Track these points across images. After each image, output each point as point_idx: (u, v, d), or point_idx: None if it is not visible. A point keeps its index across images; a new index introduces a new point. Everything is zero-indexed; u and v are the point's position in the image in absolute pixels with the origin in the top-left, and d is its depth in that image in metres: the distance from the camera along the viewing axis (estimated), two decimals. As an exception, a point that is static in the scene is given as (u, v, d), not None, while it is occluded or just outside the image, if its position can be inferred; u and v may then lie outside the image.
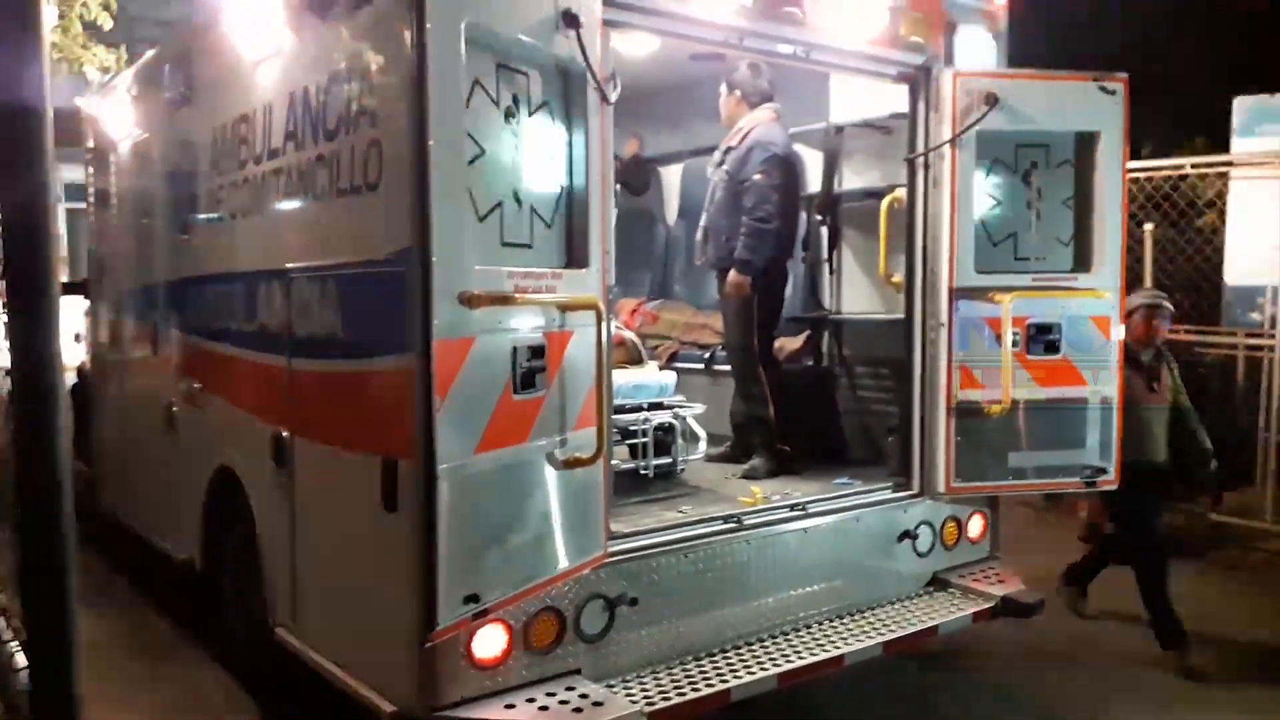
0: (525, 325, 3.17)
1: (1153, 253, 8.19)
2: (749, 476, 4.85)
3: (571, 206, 3.43)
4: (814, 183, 5.75)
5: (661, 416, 4.79)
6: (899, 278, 4.84)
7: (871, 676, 4.41)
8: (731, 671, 3.72)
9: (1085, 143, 4.65)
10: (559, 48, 3.24)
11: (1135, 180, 8.09)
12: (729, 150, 5.06)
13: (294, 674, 3.90)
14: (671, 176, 7.05)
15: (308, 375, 3.77)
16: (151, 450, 5.50)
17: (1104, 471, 4.69)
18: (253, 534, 4.17)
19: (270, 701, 4.38)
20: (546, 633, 3.44)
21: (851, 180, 5.63)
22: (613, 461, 3.96)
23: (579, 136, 3.40)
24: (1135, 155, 8.57)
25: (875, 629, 4.17)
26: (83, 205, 6.88)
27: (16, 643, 1.99)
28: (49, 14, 5.06)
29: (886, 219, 5.04)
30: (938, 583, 4.65)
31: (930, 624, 4.25)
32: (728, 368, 5.38)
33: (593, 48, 3.30)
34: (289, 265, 3.83)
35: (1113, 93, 4.56)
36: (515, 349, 3.12)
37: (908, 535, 4.55)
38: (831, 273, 5.71)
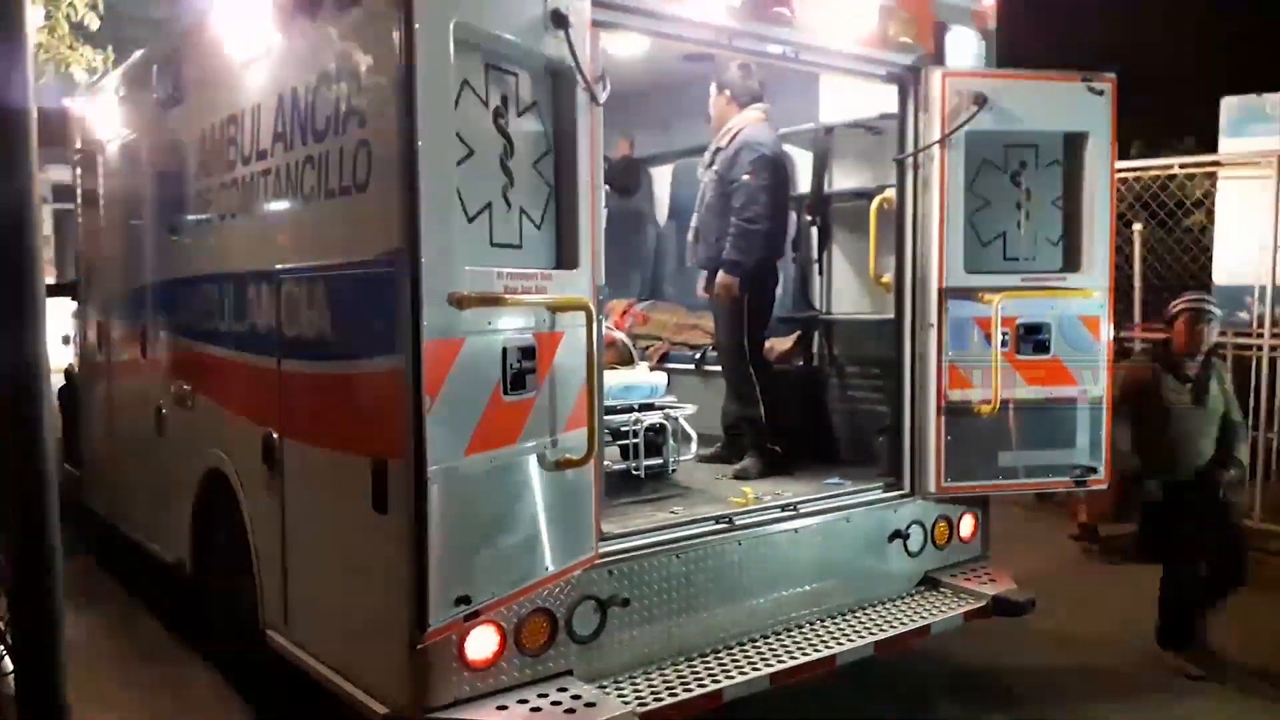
0: (515, 326, 3.16)
1: (1141, 252, 8.23)
2: (740, 477, 4.85)
3: (561, 207, 3.42)
4: (804, 183, 5.76)
5: (653, 417, 4.79)
6: (889, 278, 4.85)
7: (864, 676, 4.41)
8: (724, 672, 3.72)
9: (1074, 143, 4.67)
10: (548, 48, 3.24)
11: (1124, 180, 8.12)
12: (718, 151, 5.06)
13: (285, 676, 3.89)
14: (662, 177, 7.06)
15: (297, 376, 3.76)
16: (141, 453, 5.48)
17: (1094, 471, 4.72)
18: (243, 536, 4.15)
19: (262, 704, 4.36)
20: (538, 634, 3.44)
21: (841, 181, 5.64)
22: (604, 462, 3.97)
23: (568, 137, 3.39)
24: (1124, 155, 8.61)
25: (867, 629, 4.17)
26: (71, 206, 6.84)
27: (2, 648, 1.98)
28: (35, 14, 5.03)
29: (876, 219, 5.06)
30: (929, 582, 4.66)
31: (922, 624, 4.26)
32: (718, 368, 5.39)
33: (582, 48, 3.30)
34: (278, 266, 3.81)
35: (1101, 93, 4.59)
36: (505, 350, 3.11)
37: (899, 535, 4.56)
38: (822, 273, 5.72)
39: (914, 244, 4.61)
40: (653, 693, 3.52)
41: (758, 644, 3.98)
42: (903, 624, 4.24)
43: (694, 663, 3.79)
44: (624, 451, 4.72)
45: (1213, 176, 8.27)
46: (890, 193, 4.82)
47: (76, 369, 7.07)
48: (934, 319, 4.53)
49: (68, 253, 9.42)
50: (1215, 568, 4.86)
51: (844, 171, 5.63)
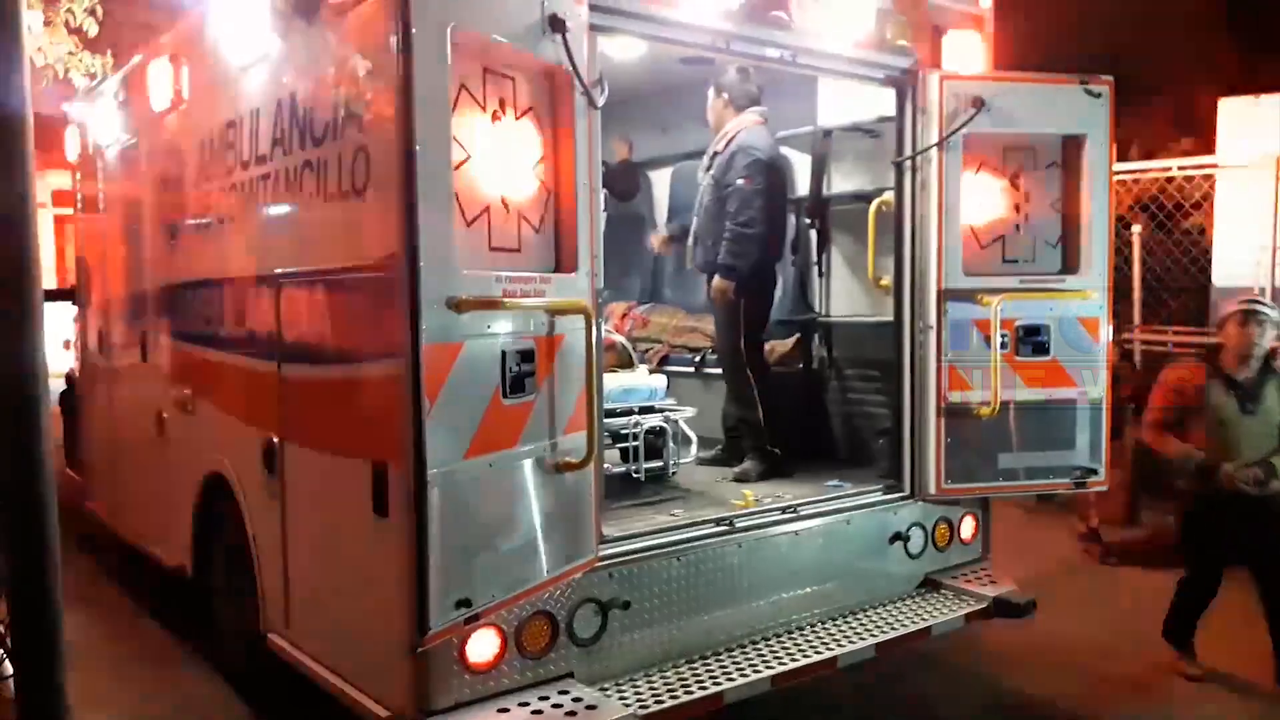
0: (514, 329, 3.16)
1: (1141, 254, 8.23)
2: (740, 479, 4.85)
3: (559, 210, 3.43)
4: (803, 186, 5.77)
5: (652, 420, 4.79)
6: (888, 280, 4.86)
7: (865, 678, 4.41)
8: (725, 674, 3.72)
9: (1071, 145, 4.68)
10: (545, 52, 3.25)
11: (1123, 182, 8.14)
12: (716, 155, 5.07)
13: (287, 680, 3.89)
14: (661, 180, 7.06)
15: (297, 380, 3.76)
16: (141, 457, 5.48)
17: (1094, 472, 4.71)
18: (243, 540, 4.15)
19: (263, 707, 4.36)
20: (539, 637, 3.44)
21: (840, 183, 5.65)
22: (604, 465, 3.97)
23: (566, 140, 3.40)
24: (1123, 157, 8.64)
25: (868, 630, 4.17)
26: (71, 211, 6.85)
27: (2, 651, 1.98)
28: (34, 20, 5.04)
29: (875, 222, 5.06)
30: (930, 584, 4.66)
31: (923, 625, 4.26)
32: (718, 371, 5.39)
33: (579, 52, 3.31)
34: (278, 271, 3.82)
35: (1098, 95, 4.59)
36: (504, 353, 3.12)
37: (899, 537, 4.56)
38: (821, 276, 5.72)
39: (913, 246, 4.61)
40: (654, 695, 3.52)
41: (759, 646, 3.98)
42: (904, 626, 4.24)
43: (695, 665, 3.79)
44: (624, 454, 4.73)
45: (1211, 178, 8.28)
46: (889, 195, 4.82)
47: (77, 373, 7.08)
48: (933, 321, 4.54)
49: (68, 258, 9.42)
50: (1265, 586, 4.61)
51: (842, 174, 5.64)
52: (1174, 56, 12.37)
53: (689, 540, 3.92)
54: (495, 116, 3.20)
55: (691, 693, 3.56)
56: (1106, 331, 4.72)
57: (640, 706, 3.43)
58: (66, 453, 7.27)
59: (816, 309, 5.75)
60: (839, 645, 4.01)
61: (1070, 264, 4.72)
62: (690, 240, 5.31)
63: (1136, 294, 8.30)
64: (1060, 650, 5.14)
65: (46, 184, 12.92)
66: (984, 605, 4.46)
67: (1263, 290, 7.55)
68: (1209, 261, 8.46)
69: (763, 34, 4.10)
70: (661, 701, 3.48)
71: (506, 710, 3.27)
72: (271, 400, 3.93)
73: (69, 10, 5.22)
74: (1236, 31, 12.55)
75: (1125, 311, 8.02)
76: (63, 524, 1.86)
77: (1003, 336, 4.49)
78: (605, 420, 4.24)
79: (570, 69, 3.29)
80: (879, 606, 4.42)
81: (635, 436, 4.68)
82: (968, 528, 4.82)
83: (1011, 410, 4.55)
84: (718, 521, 4.06)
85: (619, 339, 5.48)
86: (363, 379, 3.29)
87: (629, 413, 4.74)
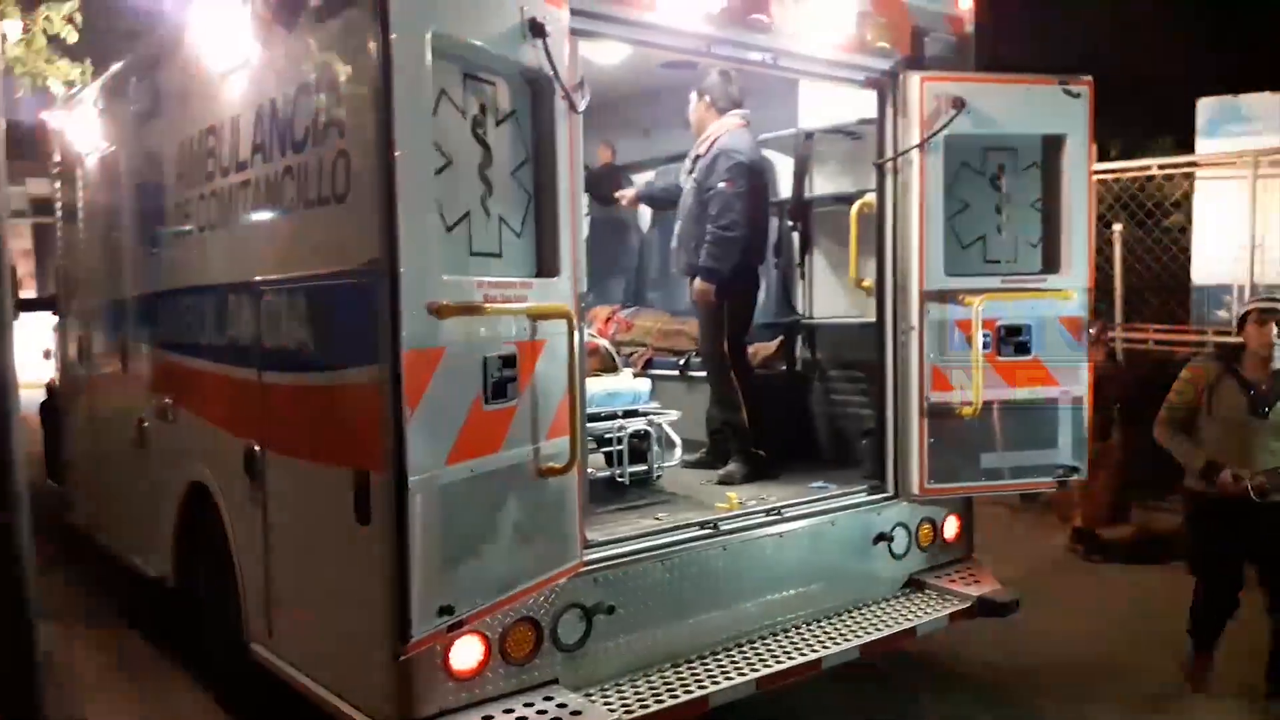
0: (496, 335, 3.15)
1: (1122, 253, 8.29)
2: (725, 482, 4.85)
3: (541, 215, 3.42)
4: (785, 189, 5.78)
5: (637, 424, 4.79)
6: (870, 282, 4.87)
7: (851, 679, 4.42)
8: (710, 677, 3.72)
9: (1052, 145, 4.70)
10: (526, 57, 3.24)
11: (1103, 181, 8.19)
12: (698, 158, 5.08)
13: (270, 690, 3.86)
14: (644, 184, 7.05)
15: (279, 388, 3.74)
16: (123, 467, 5.44)
17: (1076, 470, 4.74)
18: (226, 549, 4.13)
19: (247, 718, 4.33)
20: (523, 643, 3.43)
21: (822, 186, 5.66)
22: (588, 469, 3.97)
23: (547, 145, 3.39)
24: (1104, 156, 8.69)
25: (853, 631, 4.18)
26: (50, 220, 6.79)
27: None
28: (12, 28, 4.99)
29: (857, 224, 5.07)
30: (914, 584, 4.67)
31: (907, 625, 4.28)
32: (703, 374, 5.39)
33: (560, 57, 3.31)
34: (259, 278, 3.80)
35: (1077, 95, 4.62)
36: (486, 359, 3.11)
37: (883, 537, 4.57)
38: (803, 278, 5.74)
39: (894, 248, 4.63)
40: (639, 700, 3.52)
41: (744, 649, 3.98)
42: (889, 626, 4.25)
43: (680, 669, 3.78)
44: (608, 458, 4.72)
45: (1190, 177, 8.35)
46: (870, 197, 4.84)
47: (58, 383, 7.02)
48: (915, 322, 4.55)
49: (48, 266, 9.35)
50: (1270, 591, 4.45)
51: (824, 176, 5.65)
52: (1152, 56, 12.46)
53: (674, 544, 3.92)
54: (476, 121, 3.19)
55: (677, 697, 3.56)
56: (1088, 330, 4.75)
57: (625, 711, 3.42)
58: (47, 464, 7.21)
59: (799, 311, 5.77)
60: (824, 647, 4.02)
61: (1051, 264, 4.74)
62: (674, 243, 5.32)
63: (1118, 293, 8.36)
64: (1044, 647, 5.17)
65: (25, 192, 12.81)
66: (968, 605, 4.48)
67: (1242, 288, 7.63)
68: (1189, 259, 8.53)
69: (744, 37, 4.11)
70: (647, 706, 3.48)
71: (491, 718, 3.26)
72: (253, 408, 3.91)
73: (47, 18, 5.18)
74: (1213, 31, 12.66)
75: (1107, 310, 8.08)
76: (43, 535, 1.84)
77: (984, 336, 4.50)
78: (590, 424, 4.24)
79: (551, 73, 3.29)
80: (864, 607, 4.42)
81: (619, 440, 4.68)
82: (951, 528, 4.83)
83: (994, 410, 4.56)
84: (702, 525, 4.06)
85: (603, 343, 5.48)
86: (343, 386, 3.28)
87: (613, 416, 4.74)
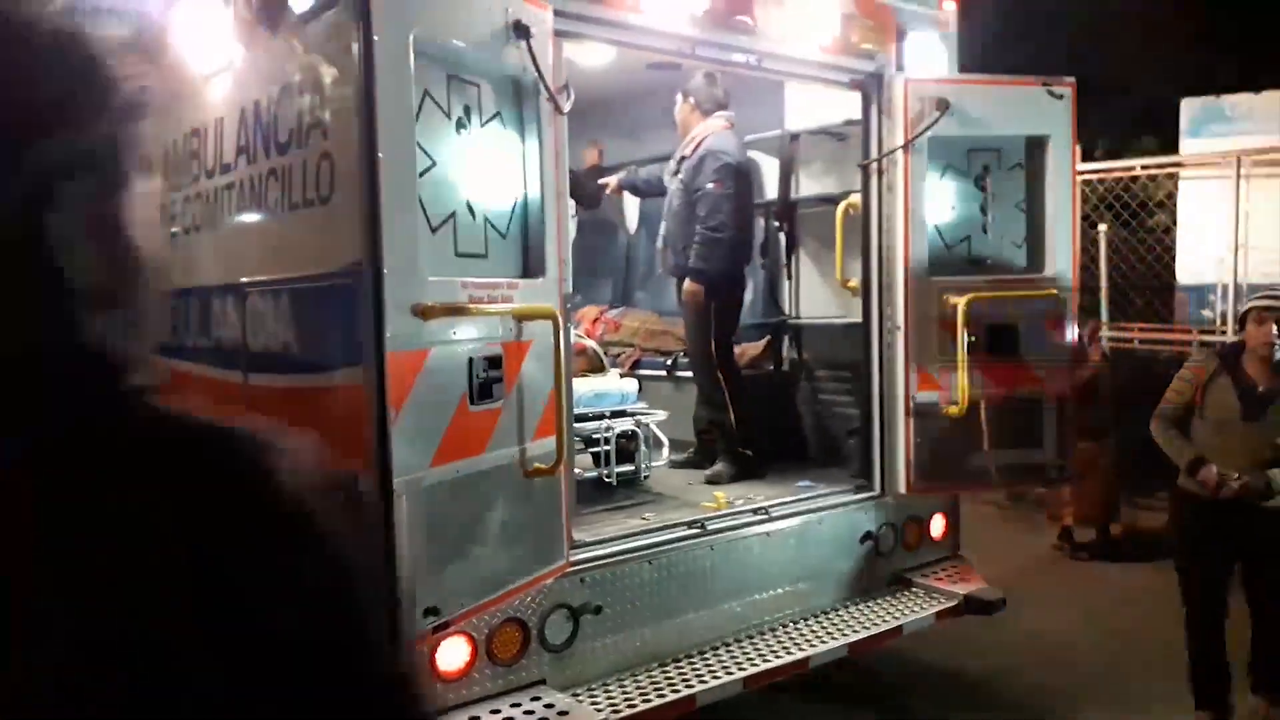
0: (481, 336, 3.16)
1: (1107, 253, 8.34)
2: (712, 482, 4.87)
3: (527, 216, 3.43)
4: (771, 190, 5.80)
5: (624, 424, 4.80)
6: (856, 282, 4.89)
7: (838, 677, 4.43)
8: (697, 677, 3.73)
9: (1035, 146, 4.73)
10: (510, 59, 3.25)
11: (1088, 182, 8.25)
12: (684, 160, 5.09)
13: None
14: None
15: (264, 390, 3.73)
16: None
17: (1062, 469, 4.76)
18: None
19: None
20: (510, 644, 3.43)
21: (808, 187, 5.68)
22: (575, 470, 3.97)
23: (532, 147, 3.40)
24: (1088, 157, 8.74)
25: (840, 630, 4.20)
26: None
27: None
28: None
29: (842, 224, 5.09)
30: (901, 583, 4.68)
31: (894, 624, 4.29)
32: (690, 374, 5.41)
33: (544, 58, 3.31)
34: (243, 280, 3.79)
35: (1060, 97, 4.65)
36: (471, 360, 3.11)
37: (870, 536, 4.59)
38: (790, 278, 5.76)
39: (880, 248, 4.65)
40: (626, 700, 3.53)
41: (731, 648, 3.99)
42: (875, 625, 4.27)
43: (667, 668, 3.79)
44: (596, 459, 4.73)
45: (1174, 177, 8.40)
46: (856, 198, 4.86)
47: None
48: (900, 321, 4.57)
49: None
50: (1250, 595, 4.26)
51: (810, 177, 5.68)
52: (1135, 57, 12.54)
53: (661, 544, 3.93)
54: (460, 123, 3.19)
55: (664, 696, 3.57)
56: (1072, 330, 4.77)
57: (613, 711, 3.43)
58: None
59: (786, 311, 5.79)
60: (811, 646, 4.03)
61: (1036, 264, 4.77)
62: (660, 245, 5.33)
63: (1104, 292, 8.41)
64: (1031, 645, 5.19)
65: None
66: (955, 603, 4.49)
67: (1226, 288, 7.69)
68: (1173, 259, 8.59)
69: (728, 39, 4.12)
70: (634, 705, 3.49)
71: (478, 718, 3.26)
72: (238, 410, 3.87)
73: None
74: (1196, 32, 12.75)
75: (1094, 310, 8.13)
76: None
77: (969, 336, 4.53)
78: (577, 425, 4.24)
79: (535, 75, 3.30)
80: (851, 606, 4.44)
81: (607, 441, 4.68)
82: (938, 526, 4.85)
83: (980, 409, 4.59)
84: (689, 524, 4.07)
85: (590, 343, 5.49)
86: (328, 388, 3.27)
87: (600, 417, 4.74)
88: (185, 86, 4.08)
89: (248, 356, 3.80)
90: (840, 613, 4.37)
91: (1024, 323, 4.62)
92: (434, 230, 3.08)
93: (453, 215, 3.16)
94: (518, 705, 3.35)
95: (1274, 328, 4.13)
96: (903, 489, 4.62)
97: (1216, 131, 8.48)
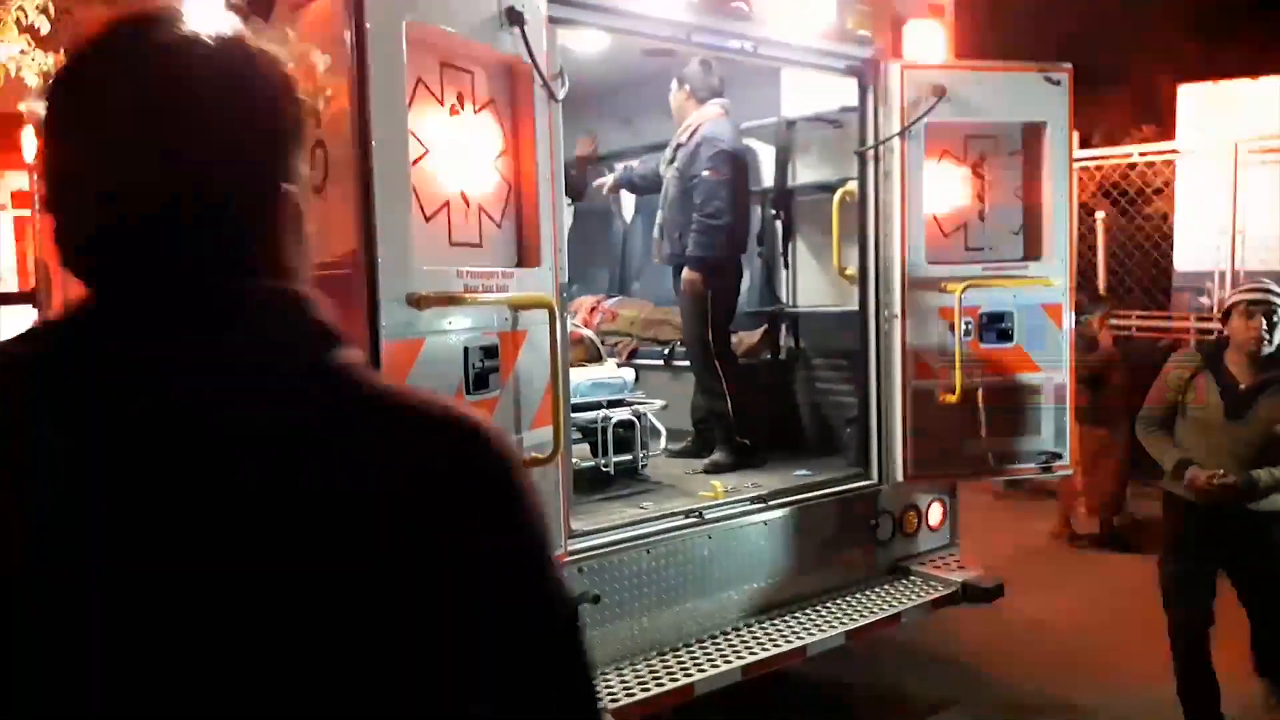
0: (477, 325, 3.15)
1: (1105, 240, 8.34)
2: (710, 471, 4.86)
3: (521, 205, 3.41)
4: (767, 177, 5.78)
5: (621, 413, 4.78)
6: (852, 270, 4.87)
7: (837, 665, 4.44)
8: (695, 665, 3.73)
9: (1032, 133, 4.71)
10: (503, 45, 3.22)
11: (1086, 169, 8.23)
12: (679, 147, 5.07)
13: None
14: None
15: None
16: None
17: (1059, 457, 4.76)
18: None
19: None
20: (507, 633, 3.42)
21: (804, 174, 5.66)
22: (573, 460, 3.96)
23: (527, 134, 3.38)
24: (1086, 144, 8.73)
25: (838, 618, 4.19)
26: (30, 213, 6.74)
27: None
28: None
29: (839, 212, 5.08)
30: (899, 570, 4.68)
31: (892, 611, 4.29)
32: (687, 363, 5.39)
33: (538, 45, 3.29)
34: (237, 270, 3.77)
35: (1058, 83, 4.62)
36: (467, 349, 3.10)
37: (868, 524, 4.59)
38: (786, 266, 5.75)
39: (876, 235, 4.63)
40: (624, 688, 3.52)
41: (729, 637, 3.99)
42: (873, 613, 4.26)
43: (666, 657, 3.79)
44: (593, 448, 4.72)
45: (1172, 164, 8.39)
46: (852, 185, 4.84)
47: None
48: (898, 309, 4.56)
49: (29, 260, 9.27)
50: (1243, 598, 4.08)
51: (806, 165, 5.65)
52: (1133, 44, 12.51)
53: (659, 533, 3.93)
54: (454, 110, 3.17)
55: (662, 685, 3.57)
56: (1069, 318, 4.76)
57: (611, 700, 3.42)
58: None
59: (783, 300, 5.77)
60: (809, 634, 4.03)
61: (1033, 251, 4.76)
62: (656, 233, 5.31)
63: (1102, 280, 8.40)
64: (1029, 633, 5.20)
65: (5, 185, 12.70)
66: (952, 590, 4.49)
67: (1223, 275, 7.68)
68: (1171, 247, 8.58)
69: (724, 25, 4.10)
70: (632, 694, 3.48)
71: (476, 707, 3.26)
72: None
73: (20, 8, 5.12)
74: (1196, 18, 12.72)
75: (1093, 295, 8.10)
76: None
77: (966, 324, 4.52)
78: (574, 415, 4.22)
79: (529, 62, 3.27)
80: (849, 594, 4.44)
81: (604, 430, 4.67)
82: (935, 514, 4.85)
83: (977, 397, 4.58)
84: (687, 513, 4.07)
85: (586, 333, 5.47)
86: (324, 378, 3.25)
87: (598, 406, 4.73)
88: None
89: (242, 347, 3.78)
90: (838, 601, 4.37)
91: (1019, 310, 4.61)
92: (428, 219, 3.07)
93: (447, 204, 3.14)
94: (515, 694, 3.34)
95: (1263, 322, 3.92)
96: (900, 477, 4.62)
97: (1215, 119, 8.46)
